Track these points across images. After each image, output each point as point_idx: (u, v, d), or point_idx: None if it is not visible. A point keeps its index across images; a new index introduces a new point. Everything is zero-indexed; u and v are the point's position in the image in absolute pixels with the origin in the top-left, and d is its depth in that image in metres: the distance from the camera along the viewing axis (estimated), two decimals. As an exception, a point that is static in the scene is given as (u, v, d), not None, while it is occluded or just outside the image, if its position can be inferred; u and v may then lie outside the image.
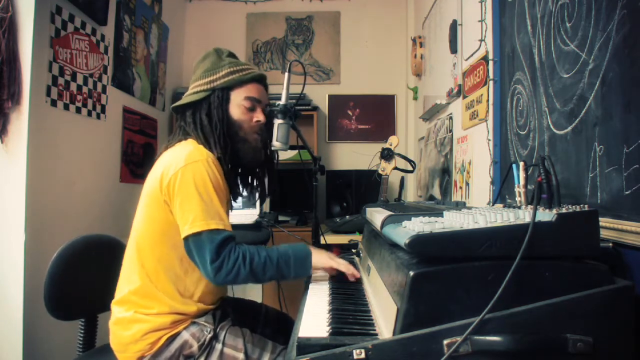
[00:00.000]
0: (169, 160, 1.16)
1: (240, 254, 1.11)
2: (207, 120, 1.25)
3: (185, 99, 1.29)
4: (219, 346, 1.15)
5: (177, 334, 1.15)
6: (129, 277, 1.18)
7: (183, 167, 1.12)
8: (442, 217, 0.87)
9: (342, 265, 1.20)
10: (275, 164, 1.46)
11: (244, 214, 2.48)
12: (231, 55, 1.34)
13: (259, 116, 1.32)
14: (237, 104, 1.28)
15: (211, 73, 1.28)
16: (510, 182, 1.07)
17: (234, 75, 1.28)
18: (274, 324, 1.45)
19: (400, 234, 0.75)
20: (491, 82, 1.62)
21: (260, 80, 1.33)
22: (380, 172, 2.04)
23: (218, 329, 1.18)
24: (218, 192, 1.14)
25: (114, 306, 1.20)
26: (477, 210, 0.85)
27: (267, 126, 1.37)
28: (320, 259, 1.20)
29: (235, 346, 1.16)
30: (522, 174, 0.97)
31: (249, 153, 1.32)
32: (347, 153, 3.48)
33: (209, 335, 1.15)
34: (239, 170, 1.39)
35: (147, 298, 1.15)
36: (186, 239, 1.11)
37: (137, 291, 1.16)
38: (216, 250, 1.08)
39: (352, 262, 1.47)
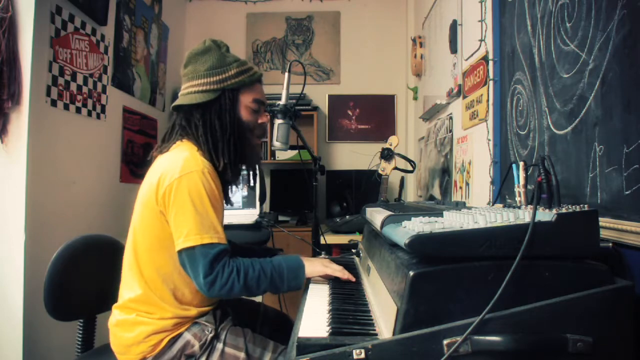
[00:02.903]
0: (165, 169, 1.13)
1: (235, 268, 1.10)
2: (218, 123, 1.21)
3: (190, 98, 1.21)
4: (220, 346, 1.15)
5: (179, 335, 1.15)
6: (130, 285, 1.17)
7: (178, 179, 1.09)
8: (442, 217, 0.87)
9: (337, 271, 1.19)
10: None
11: (244, 214, 2.48)
12: (228, 49, 1.30)
13: (263, 118, 1.30)
14: (245, 106, 1.25)
15: (219, 72, 1.21)
16: (510, 182, 1.07)
17: (243, 76, 1.24)
18: (273, 324, 1.45)
19: (400, 234, 0.75)
20: (491, 82, 1.62)
21: (261, 80, 1.32)
22: (380, 172, 2.04)
23: (219, 329, 1.18)
24: (214, 203, 1.12)
25: (115, 309, 1.20)
26: (477, 210, 0.85)
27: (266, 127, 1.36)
28: (314, 268, 1.19)
29: (236, 345, 1.16)
30: (522, 174, 0.97)
31: (254, 158, 1.31)
32: (347, 153, 3.48)
33: (210, 335, 1.15)
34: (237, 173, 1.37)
35: (148, 305, 1.15)
36: (180, 252, 1.10)
37: (138, 299, 1.15)
38: (210, 264, 1.07)
39: (352, 262, 1.48)
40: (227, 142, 1.22)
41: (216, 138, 1.21)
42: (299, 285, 1.17)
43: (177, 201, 1.09)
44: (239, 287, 1.09)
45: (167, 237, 1.12)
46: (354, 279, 1.19)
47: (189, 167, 1.11)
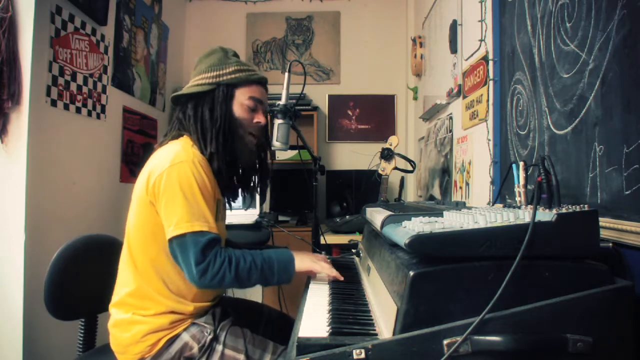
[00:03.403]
0: (157, 161, 1.15)
1: (227, 258, 1.10)
2: (209, 114, 1.23)
3: (187, 89, 1.27)
4: (219, 347, 1.15)
5: (177, 336, 1.15)
6: (125, 279, 1.18)
7: (168, 168, 1.11)
8: (442, 217, 0.87)
9: (325, 268, 1.19)
10: (270, 166, 1.44)
11: (244, 214, 2.48)
12: (236, 55, 1.34)
13: (260, 117, 1.30)
14: (240, 103, 1.27)
15: (218, 68, 1.26)
16: (510, 182, 1.07)
17: (240, 74, 1.27)
18: (275, 325, 1.45)
19: (400, 234, 0.75)
20: (491, 82, 1.62)
21: (264, 83, 1.33)
22: (380, 172, 2.04)
23: (218, 330, 1.18)
24: (204, 193, 1.12)
25: (112, 308, 1.20)
26: (477, 210, 0.85)
27: (266, 129, 1.36)
28: (303, 263, 1.19)
29: (236, 347, 1.16)
30: (522, 174, 0.97)
31: (245, 153, 1.30)
32: (347, 153, 3.48)
33: (209, 337, 1.15)
34: (235, 170, 1.36)
35: (144, 299, 1.15)
36: (170, 240, 1.10)
37: (134, 293, 1.15)
38: (201, 252, 1.07)
39: (352, 262, 1.48)
40: (217, 132, 1.23)
41: (205, 128, 1.23)
42: (289, 279, 1.17)
43: (167, 190, 1.10)
44: (230, 277, 1.09)
45: (159, 229, 1.12)
46: (341, 278, 1.18)
47: (180, 158, 1.13)
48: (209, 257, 1.08)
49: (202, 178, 1.14)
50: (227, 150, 1.24)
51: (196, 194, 1.11)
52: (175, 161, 1.12)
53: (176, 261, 1.12)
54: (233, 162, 1.29)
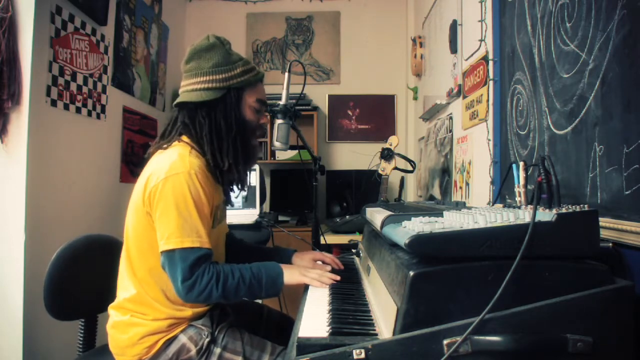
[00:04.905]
0: (153, 170, 1.12)
1: (214, 275, 1.08)
2: (224, 123, 1.19)
3: (196, 95, 1.18)
4: (217, 350, 1.14)
5: (174, 337, 1.14)
6: (125, 285, 1.17)
7: (164, 180, 1.08)
8: (442, 217, 0.87)
9: (314, 280, 1.17)
10: None
11: (244, 214, 2.48)
12: (231, 47, 1.28)
13: (265, 118, 1.30)
14: (249, 105, 1.24)
15: (225, 70, 1.19)
16: (510, 182, 1.07)
17: (248, 75, 1.23)
18: (276, 326, 1.44)
19: (400, 234, 0.75)
20: (491, 82, 1.62)
21: (263, 80, 1.31)
22: (380, 172, 2.04)
23: (216, 332, 1.17)
24: (198, 207, 1.10)
25: (110, 310, 1.20)
26: (477, 210, 0.85)
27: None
28: (292, 276, 1.18)
29: (234, 349, 1.15)
30: (522, 174, 0.97)
31: (256, 155, 1.30)
32: (347, 153, 3.48)
33: (207, 339, 1.14)
34: (248, 171, 1.35)
35: (142, 305, 1.15)
36: (161, 254, 1.09)
37: (132, 299, 1.15)
38: (189, 269, 1.06)
39: (352, 262, 1.48)
40: (233, 141, 1.20)
41: (221, 137, 1.19)
42: (277, 293, 1.17)
43: (161, 203, 1.08)
44: (217, 294, 1.08)
45: (156, 239, 1.11)
46: (331, 282, 1.17)
47: (176, 169, 1.10)
48: (196, 274, 1.07)
49: (198, 191, 1.10)
50: (242, 159, 1.23)
51: (190, 207, 1.08)
52: (171, 173, 1.09)
53: (166, 273, 1.11)
54: (247, 167, 1.28)
